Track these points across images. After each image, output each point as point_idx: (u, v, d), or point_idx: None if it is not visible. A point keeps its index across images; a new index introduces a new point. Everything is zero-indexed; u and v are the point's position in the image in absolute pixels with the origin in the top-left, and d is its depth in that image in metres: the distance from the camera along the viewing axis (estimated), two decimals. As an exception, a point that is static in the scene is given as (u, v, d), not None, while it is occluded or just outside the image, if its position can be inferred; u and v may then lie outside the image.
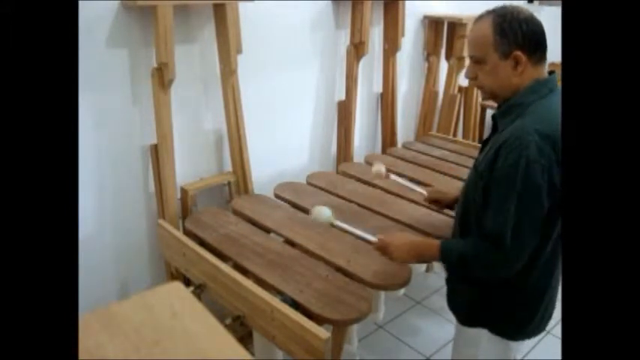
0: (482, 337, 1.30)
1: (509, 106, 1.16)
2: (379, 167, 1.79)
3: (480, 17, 1.17)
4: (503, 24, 1.11)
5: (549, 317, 1.31)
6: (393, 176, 1.79)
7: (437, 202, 1.64)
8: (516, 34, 1.10)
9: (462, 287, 1.34)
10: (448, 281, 1.41)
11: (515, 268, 1.15)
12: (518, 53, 1.11)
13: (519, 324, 1.27)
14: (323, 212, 1.48)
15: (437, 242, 1.25)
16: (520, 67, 1.13)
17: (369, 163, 2.41)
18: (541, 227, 1.13)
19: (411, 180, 1.89)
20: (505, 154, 1.09)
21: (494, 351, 1.30)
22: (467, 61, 2.88)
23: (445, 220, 1.80)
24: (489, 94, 1.21)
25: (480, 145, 1.70)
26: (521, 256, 1.14)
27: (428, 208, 1.86)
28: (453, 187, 1.76)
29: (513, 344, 1.30)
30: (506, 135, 1.12)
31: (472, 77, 1.21)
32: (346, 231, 1.46)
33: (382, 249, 1.34)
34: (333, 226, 1.48)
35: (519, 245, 1.12)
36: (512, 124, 1.13)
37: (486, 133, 3.41)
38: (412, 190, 1.73)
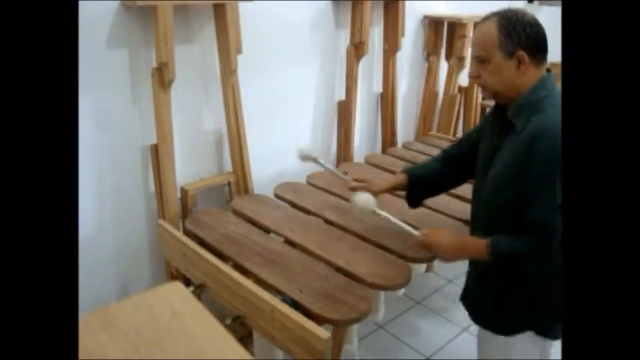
0: (516, 341, 1.28)
1: (521, 104, 1.19)
2: (307, 150, 1.88)
3: (486, 18, 1.20)
4: (508, 25, 1.15)
5: None
6: (320, 161, 1.86)
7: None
8: (520, 35, 1.15)
9: (499, 299, 1.32)
10: (475, 302, 1.40)
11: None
12: (522, 53, 1.15)
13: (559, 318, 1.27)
14: (368, 202, 1.51)
15: (484, 241, 1.25)
16: (523, 67, 1.17)
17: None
18: None
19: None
20: (539, 149, 1.11)
21: (533, 352, 1.28)
22: (467, 61, 2.91)
23: (443, 221, 1.80)
24: (492, 93, 1.24)
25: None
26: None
27: (428, 207, 1.86)
28: (380, 179, 1.77)
29: (550, 342, 1.29)
30: (533, 130, 1.14)
31: (475, 76, 1.24)
32: (390, 220, 1.50)
33: (427, 246, 1.36)
34: (375, 213, 1.51)
35: (558, 234, 1.12)
36: (531, 120, 1.15)
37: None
38: (338, 176, 1.82)
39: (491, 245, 1.23)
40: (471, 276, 1.43)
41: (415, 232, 1.40)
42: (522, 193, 1.17)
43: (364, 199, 1.52)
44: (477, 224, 1.36)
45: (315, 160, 1.85)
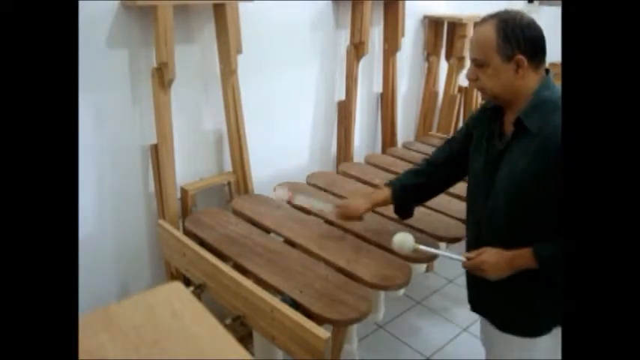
0: (542, 339, 1.28)
1: (532, 106, 1.19)
2: (282, 192, 1.75)
3: (483, 21, 1.19)
4: (506, 29, 1.15)
5: None
6: (297, 199, 1.74)
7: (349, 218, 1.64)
8: (518, 38, 1.14)
9: (524, 303, 1.31)
10: (496, 310, 1.37)
11: None
12: (520, 57, 1.15)
13: None
14: (406, 242, 1.47)
15: (529, 251, 1.22)
16: (521, 70, 1.17)
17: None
18: None
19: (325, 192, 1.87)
20: (550, 157, 1.12)
21: (553, 345, 1.28)
22: (467, 61, 2.90)
23: (445, 221, 1.80)
24: (491, 96, 1.24)
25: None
26: None
27: (428, 207, 1.86)
28: (360, 198, 1.62)
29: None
30: (552, 130, 1.13)
31: (473, 79, 1.24)
32: (431, 253, 1.48)
33: (475, 268, 1.31)
34: (415, 250, 1.46)
35: None
36: (547, 120, 1.15)
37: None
38: (319, 209, 1.68)
39: (538, 252, 1.21)
40: (485, 285, 1.36)
41: (461, 258, 1.36)
42: (556, 196, 1.12)
43: (401, 239, 1.48)
44: (488, 227, 1.32)
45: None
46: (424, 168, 1.57)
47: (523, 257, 1.23)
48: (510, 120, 1.23)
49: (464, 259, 1.34)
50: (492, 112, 1.31)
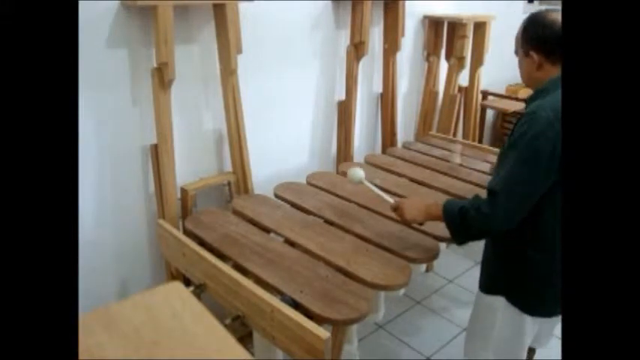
0: (499, 305, 1.39)
1: (536, 92, 1.33)
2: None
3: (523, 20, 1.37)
4: (527, 28, 1.30)
5: None
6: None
7: None
8: (533, 37, 1.28)
9: (486, 257, 1.46)
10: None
11: (500, 224, 1.26)
12: (533, 53, 1.29)
13: (533, 297, 1.35)
14: (356, 174, 1.73)
15: (440, 203, 1.40)
16: (536, 64, 1.29)
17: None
18: (550, 202, 1.23)
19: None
20: (519, 126, 1.25)
21: (510, 322, 1.38)
22: (467, 61, 2.92)
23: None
24: (524, 83, 1.41)
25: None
26: (507, 213, 1.24)
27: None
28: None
29: (528, 319, 1.36)
30: (525, 112, 1.28)
31: (519, 67, 1.40)
32: (371, 190, 1.69)
33: (396, 209, 1.54)
34: (360, 182, 1.72)
35: (507, 203, 1.23)
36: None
37: (487, 133, 3.45)
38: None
39: (444, 204, 1.38)
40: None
41: (390, 200, 1.58)
42: (498, 170, 1.32)
43: (354, 173, 1.74)
44: None
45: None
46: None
47: (436, 206, 1.42)
48: None
49: (392, 201, 1.58)
50: None
